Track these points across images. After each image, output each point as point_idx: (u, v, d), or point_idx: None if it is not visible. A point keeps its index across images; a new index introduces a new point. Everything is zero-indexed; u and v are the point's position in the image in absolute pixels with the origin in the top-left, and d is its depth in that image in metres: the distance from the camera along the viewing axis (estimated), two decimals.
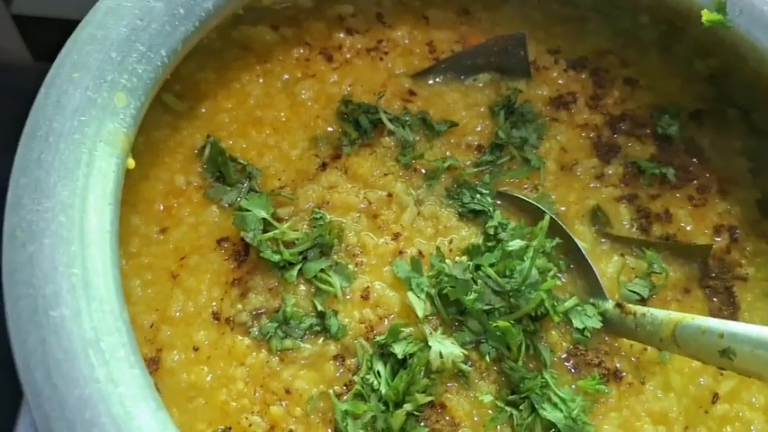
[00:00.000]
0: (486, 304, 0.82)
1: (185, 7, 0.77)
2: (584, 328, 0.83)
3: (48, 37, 1.86)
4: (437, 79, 1.00)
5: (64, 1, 1.75)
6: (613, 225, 0.93)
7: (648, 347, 0.83)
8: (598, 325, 0.83)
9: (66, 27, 1.95)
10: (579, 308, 0.85)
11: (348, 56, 1.00)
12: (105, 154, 0.68)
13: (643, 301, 0.88)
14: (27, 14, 1.74)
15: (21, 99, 1.76)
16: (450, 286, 0.82)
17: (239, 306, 0.82)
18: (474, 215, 0.91)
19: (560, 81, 1.02)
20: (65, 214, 0.64)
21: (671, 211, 0.94)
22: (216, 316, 0.81)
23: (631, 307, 0.83)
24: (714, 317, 0.88)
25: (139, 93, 0.73)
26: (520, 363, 0.81)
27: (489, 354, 0.82)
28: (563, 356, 0.84)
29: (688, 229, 0.93)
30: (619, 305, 0.84)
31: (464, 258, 0.86)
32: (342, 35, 1.01)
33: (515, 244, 0.85)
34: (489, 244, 0.88)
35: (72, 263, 0.63)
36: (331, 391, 0.78)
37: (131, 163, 0.72)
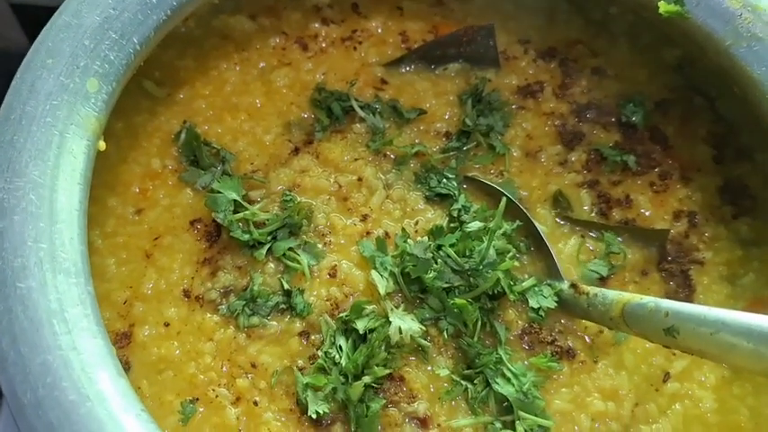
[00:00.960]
0: (446, 282, 0.86)
1: None
2: (539, 308, 0.86)
3: (43, 25, 1.90)
4: (408, 68, 1.03)
5: None
6: (574, 209, 0.96)
7: (605, 329, 0.86)
8: (553, 305, 0.86)
9: None
10: (536, 288, 0.88)
11: (323, 45, 1.03)
12: (76, 136, 0.72)
13: (603, 281, 0.91)
14: (24, 3, 1.78)
15: None
16: (412, 265, 0.86)
17: (209, 284, 0.86)
18: (440, 198, 0.95)
19: (529, 71, 1.05)
20: (35, 192, 0.68)
21: (631, 197, 0.97)
22: (186, 293, 0.85)
23: (584, 287, 0.86)
24: (670, 299, 0.90)
25: (111, 78, 0.77)
26: (476, 339, 0.84)
27: (447, 330, 0.85)
28: (518, 334, 0.87)
29: (647, 214, 0.96)
30: (573, 285, 0.87)
31: (426, 239, 0.89)
32: (317, 25, 1.04)
33: (474, 225, 0.88)
34: (452, 225, 0.91)
35: (40, 238, 0.66)
36: (294, 366, 0.82)
37: (102, 145, 0.76)
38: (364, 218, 0.92)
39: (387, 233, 0.91)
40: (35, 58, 0.74)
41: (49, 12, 1.81)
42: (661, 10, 0.89)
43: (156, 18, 0.81)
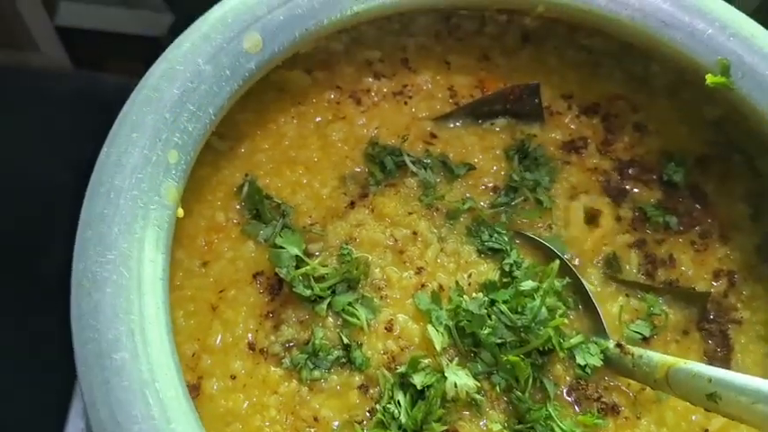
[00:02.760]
0: (499, 338, 0.90)
1: (231, 69, 0.84)
2: (585, 365, 0.91)
3: (87, 46, 1.96)
4: (457, 123, 1.07)
5: (102, 15, 1.84)
6: (623, 270, 1.00)
7: (647, 387, 0.91)
8: (599, 363, 0.91)
9: (104, 38, 2.04)
10: (583, 345, 0.92)
11: (375, 99, 1.07)
12: (159, 206, 0.76)
13: (645, 341, 0.96)
14: (69, 26, 1.83)
15: (60, 103, 1.85)
16: (467, 320, 0.90)
17: (272, 338, 0.90)
18: (492, 252, 0.99)
19: (572, 126, 1.09)
20: (124, 265, 0.72)
21: (674, 257, 1.01)
22: (251, 346, 0.90)
23: (630, 348, 0.90)
24: (709, 358, 0.95)
25: (189, 149, 0.81)
26: (527, 394, 0.89)
27: (499, 384, 0.89)
28: (565, 390, 0.92)
29: (689, 273, 1.00)
30: (619, 345, 0.91)
31: (480, 295, 0.94)
32: (370, 79, 1.08)
33: (527, 284, 0.92)
34: (505, 280, 0.95)
35: (130, 309, 0.71)
36: (354, 421, 0.86)
37: (180, 212, 0.80)
38: (419, 270, 0.96)
39: (441, 286, 0.95)
40: (120, 132, 0.78)
41: (92, 34, 1.85)
42: (708, 81, 0.93)
43: (230, 89, 0.85)
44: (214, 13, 0.86)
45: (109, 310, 0.70)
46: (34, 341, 1.41)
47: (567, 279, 0.95)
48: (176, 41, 0.85)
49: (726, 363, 0.95)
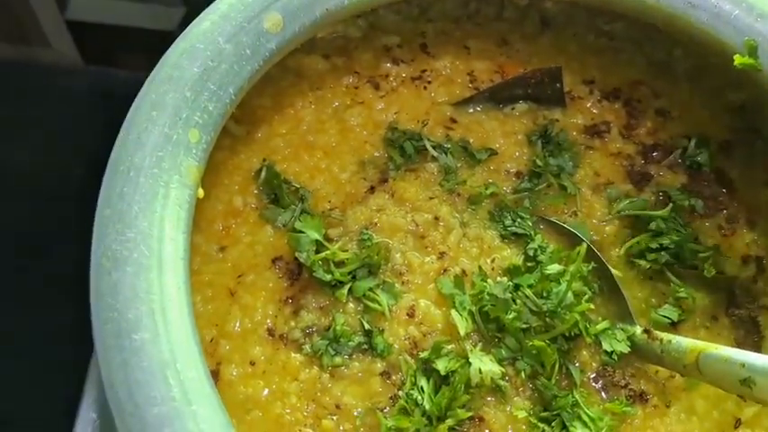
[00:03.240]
0: (524, 323, 0.88)
1: (251, 48, 0.83)
2: (612, 351, 0.89)
3: (98, 42, 1.95)
4: (477, 108, 1.06)
5: (113, 8, 1.83)
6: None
7: (676, 374, 0.89)
8: (626, 350, 0.88)
9: (114, 32, 2.03)
10: (609, 331, 0.90)
11: (394, 84, 1.06)
12: (180, 186, 0.75)
13: (674, 326, 0.93)
14: (79, 20, 1.82)
15: (72, 99, 1.84)
16: (491, 305, 0.88)
17: (292, 323, 0.88)
18: (516, 237, 0.97)
19: (595, 111, 1.07)
20: (145, 244, 0.70)
21: (701, 240, 0.99)
22: (271, 332, 0.88)
23: (658, 333, 0.88)
24: (739, 344, 0.93)
25: (209, 128, 0.79)
26: (552, 380, 0.87)
27: (525, 370, 0.87)
28: (592, 376, 0.90)
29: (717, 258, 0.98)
30: (646, 331, 0.89)
31: (505, 279, 0.92)
32: (389, 65, 1.06)
33: (553, 268, 0.90)
34: (529, 264, 0.93)
35: (151, 289, 0.69)
36: (377, 408, 0.84)
37: (201, 192, 0.78)
38: (441, 255, 0.94)
39: (464, 271, 0.93)
40: (140, 110, 0.77)
41: (103, 29, 1.84)
42: (736, 63, 0.91)
43: (251, 68, 0.83)
44: None
45: (129, 289, 0.68)
46: (47, 338, 1.40)
47: (593, 264, 0.93)
48: (196, 20, 0.83)
49: (757, 349, 0.93)
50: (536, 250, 0.94)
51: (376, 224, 0.95)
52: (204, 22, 0.82)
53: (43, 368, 1.36)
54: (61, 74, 1.84)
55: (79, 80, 1.83)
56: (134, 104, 0.77)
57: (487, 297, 0.88)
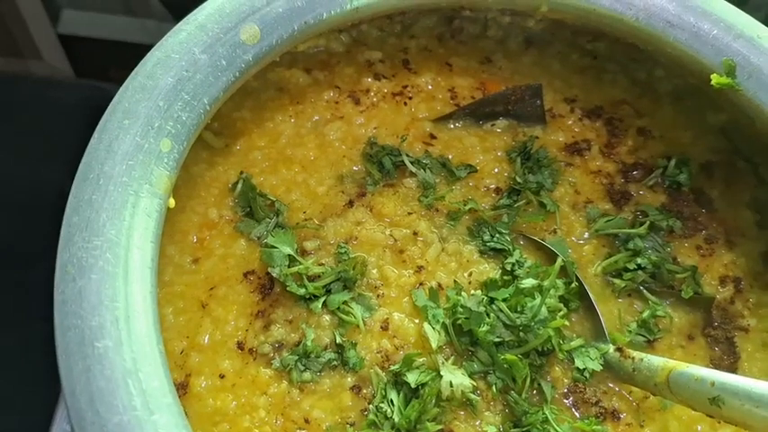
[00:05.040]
0: (497, 337, 0.87)
1: (227, 59, 0.83)
2: (584, 369, 0.88)
3: (89, 55, 1.96)
4: (457, 124, 1.06)
5: (105, 23, 1.84)
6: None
7: (650, 395, 0.88)
8: (599, 368, 0.88)
9: (107, 46, 2.04)
10: (583, 349, 0.90)
11: (375, 99, 1.06)
12: (150, 195, 0.74)
13: (650, 345, 0.93)
14: (71, 34, 1.83)
15: (63, 112, 1.84)
16: (465, 317, 0.88)
17: (262, 338, 0.88)
18: (495, 252, 0.97)
19: (575, 129, 1.07)
20: (111, 252, 0.70)
21: (679, 261, 0.98)
22: (240, 346, 0.87)
23: (630, 352, 0.87)
24: (715, 365, 0.92)
25: (182, 138, 0.79)
26: (523, 395, 0.86)
27: (496, 384, 0.87)
28: (564, 392, 0.89)
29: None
30: (619, 349, 0.88)
31: (479, 292, 0.91)
32: (369, 80, 1.07)
33: (528, 282, 0.90)
34: (506, 278, 0.93)
35: (116, 297, 0.68)
36: (346, 422, 0.83)
37: (172, 202, 0.78)
38: (419, 269, 0.94)
39: (440, 284, 0.93)
40: (112, 119, 0.76)
41: (95, 43, 1.85)
42: (713, 82, 0.91)
43: (226, 79, 0.83)
44: (212, 4, 0.85)
45: (93, 296, 0.68)
46: (23, 350, 1.39)
47: (568, 281, 0.92)
48: (173, 30, 0.83)
49: (732, 371, 0.92)
50: (513, 265, 0.93)
51: (356, 238, 0.95)
52: (180, 33, 0.83)
53: (18, 380, 1.35)
54: (53, 87, 1.85)
55: (71, 93, 1.84)
56: (106, 112, 0.77)
57: (461, 310, 0.88)
